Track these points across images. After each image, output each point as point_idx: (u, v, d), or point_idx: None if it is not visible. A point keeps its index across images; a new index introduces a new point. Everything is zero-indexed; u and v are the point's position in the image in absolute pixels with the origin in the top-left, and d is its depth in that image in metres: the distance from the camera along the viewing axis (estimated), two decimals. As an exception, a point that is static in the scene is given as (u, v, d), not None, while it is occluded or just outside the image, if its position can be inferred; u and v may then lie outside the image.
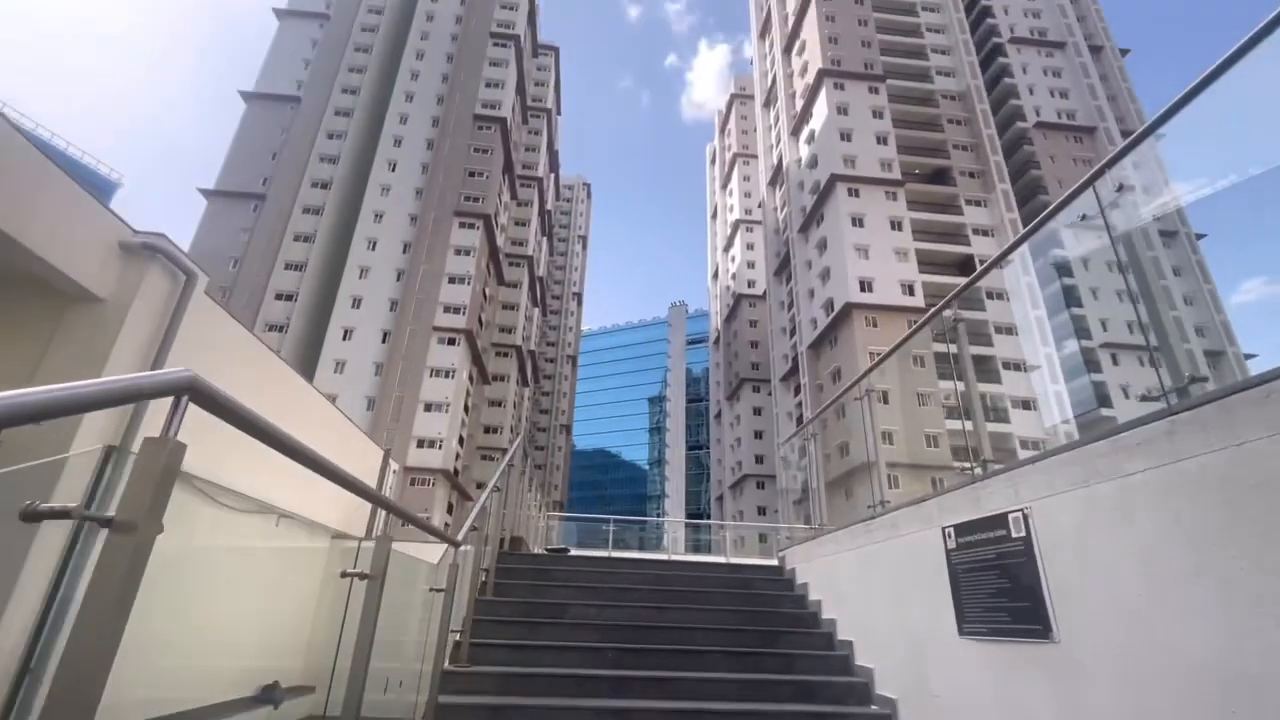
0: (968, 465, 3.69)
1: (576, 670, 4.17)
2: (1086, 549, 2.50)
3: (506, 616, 4.89)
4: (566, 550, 10.17)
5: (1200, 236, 3.55)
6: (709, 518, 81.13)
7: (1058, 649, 2.59)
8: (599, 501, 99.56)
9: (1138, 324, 2.33)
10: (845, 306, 41.56)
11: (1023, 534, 2.82)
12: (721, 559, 10.63)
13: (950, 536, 3.38)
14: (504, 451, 57.95)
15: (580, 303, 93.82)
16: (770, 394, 59.10)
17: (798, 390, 49.54)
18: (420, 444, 40.80)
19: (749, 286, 68.52)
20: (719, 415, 73.89)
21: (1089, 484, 2.49)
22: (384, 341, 43.67)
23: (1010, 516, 2.91)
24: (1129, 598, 2.28)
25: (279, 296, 45.07)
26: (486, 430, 53.78)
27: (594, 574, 5.86)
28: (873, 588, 4.30)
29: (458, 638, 4.27)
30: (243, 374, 7.78)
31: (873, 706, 4.03)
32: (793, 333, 51.85)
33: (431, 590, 3.51)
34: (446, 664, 4.12)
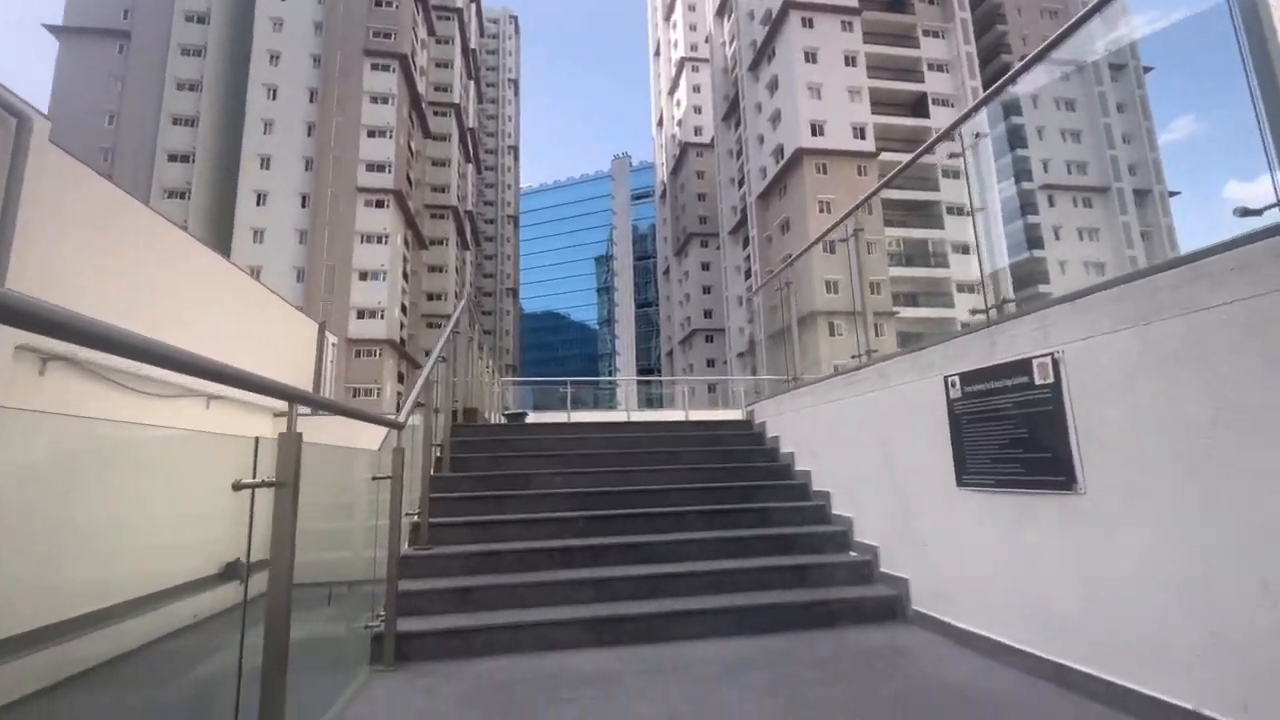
0: (901, 311, 3.31)
1: (547, 543, 3.93)
2: (1134, 395, 2.18)
3: (467, 492, 4.56)
4: (524, 415, 9.94)
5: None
6: (659, 373, 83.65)
7: (1081, 500, 2.36)
8: (552, 363, 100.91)
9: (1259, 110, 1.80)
10: (796, 152, 40.02)
11: (1049, 380, 2.50)
12: (680, 414, 10.65)
13: (954, 385, 3.07)
14: (450, 319, 57.92)
15: (517, 157, 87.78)
16: (719, 248, 58.57)
17: (746, 243, 49.09)
18: (361, 315, 39.16)
19: (696, 134, 64.96)
20: (667, 271, 73.46)
21: (1148, 321, 2.11)
22: (304, 206, 40.03)
23: (1035, 362, 2.57)
24: (1189, 450, 1.99)
25: (173, 158, 39.97)
26: (430, 297, 52.01)
27: (556, 440, 5.55)
28: (854, 440, 4.10)
29: (415, 519, 3.92)
30: (125, 247, 6.59)
31: (851, 553, 3.99)
32: (741, 183, 50.24)
33: (376, 479, 3.05)
34: (405, 548, 3.80)
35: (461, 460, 4.99)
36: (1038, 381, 2.56)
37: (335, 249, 39.38)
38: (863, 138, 41.02)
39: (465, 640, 3.08)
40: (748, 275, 49.17)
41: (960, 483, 3.02)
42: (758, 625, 3.34)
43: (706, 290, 61.50)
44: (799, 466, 4.91)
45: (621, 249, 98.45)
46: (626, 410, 12.26)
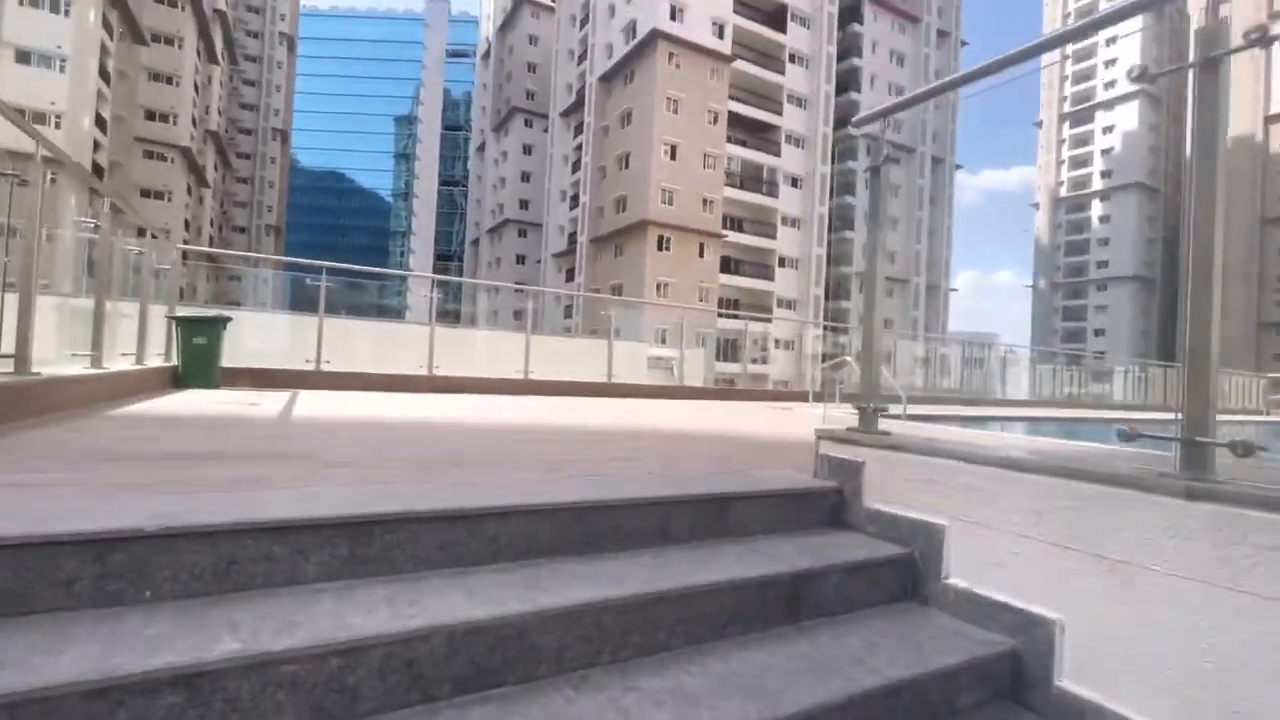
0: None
1: None
2: None
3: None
4: (221, 322, 5.12)
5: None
6: (461, 261, 75.22)
7: None
8: (331, 232, 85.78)
9: None
10: (651, 33, 35.19)
11: None
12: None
13: None
14: (178, 149, 43.53)
15: (299, -41, 68.43)
16: (546, 130, 52.03)
17: (579, 130, 43.71)
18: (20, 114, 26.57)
19: (534, -12, 55.68)
20: (482, 147, 64.59)
21: None
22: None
23: None
24: None
25: None
26: (151, 116, 38.31)
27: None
28: None
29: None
30: None
31: None
32: (583, 58, 43.98)
33: None
34: None
35: None
36: None
37: (-28, 4, 25.69)
38: (721, 37, 37.53)
39: None
40: (575, 168, 44.22)
41: None
42: None
43: (525, 177, 55.04)
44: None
45: (429, 112, 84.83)
46: (429, 340, 6.61)
